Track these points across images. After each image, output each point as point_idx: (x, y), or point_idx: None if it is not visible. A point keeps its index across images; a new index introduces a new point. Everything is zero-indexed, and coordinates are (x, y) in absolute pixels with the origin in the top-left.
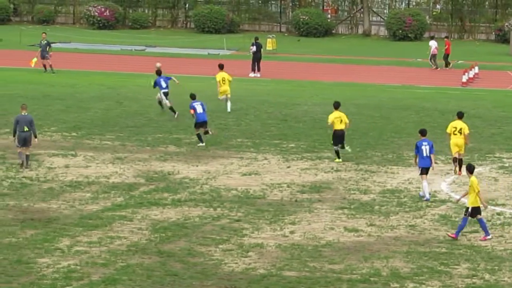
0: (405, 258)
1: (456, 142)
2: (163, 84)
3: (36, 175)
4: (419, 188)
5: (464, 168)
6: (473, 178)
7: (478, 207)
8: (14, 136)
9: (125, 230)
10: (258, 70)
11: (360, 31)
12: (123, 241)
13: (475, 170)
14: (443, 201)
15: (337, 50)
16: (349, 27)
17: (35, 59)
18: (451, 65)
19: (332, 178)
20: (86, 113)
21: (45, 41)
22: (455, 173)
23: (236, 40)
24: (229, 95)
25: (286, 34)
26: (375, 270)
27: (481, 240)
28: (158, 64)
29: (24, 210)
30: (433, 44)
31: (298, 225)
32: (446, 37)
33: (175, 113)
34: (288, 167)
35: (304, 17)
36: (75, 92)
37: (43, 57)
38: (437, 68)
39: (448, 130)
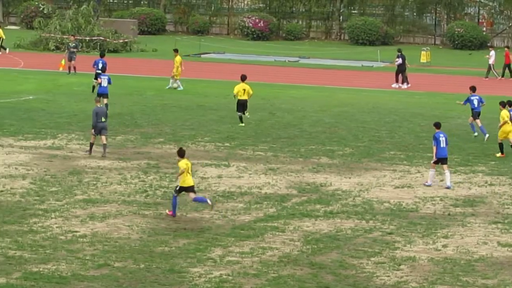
0: None
1: (510, 130)
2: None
3: None
4: None
5: None
6: (181, 162)
7: (190, 187)
8: (93, 128)
9: (277, 241)
10: (407, 81)
11: None
12: (275, 252)
13: None
14: None
15: None
16: (505, 40)
17: (64, 61)
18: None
19: (486, 192)
20: (239, 124)
21: (73, 44)
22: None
23: (390, 53)
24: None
25: (440, 47)
26: None
27: (167, 214)
28: None
29: (177, 220)
30: (492, 54)
31: (451, 239)
32: (507, 47)
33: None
34: (441, 180)
35: (459, 29)
36: (229, 102)
37: (70, 59)
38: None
39: (503, 120)
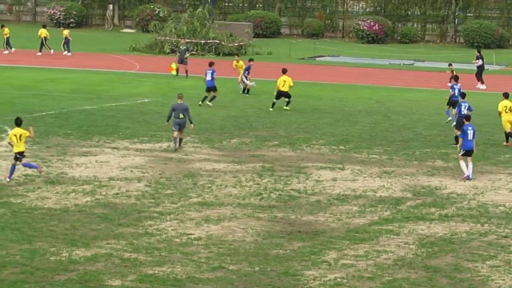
0: None
1: (509, 119)
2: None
3: (304, 187)
4: None
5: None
6: (12, 130)
7: (18, 152)
8: (167, 121)
9: (392, 244)
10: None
11: None
12: (390, 255)
13: None
14: None
15: None
16: None
17: (174, 65)
18: None
19: None
20: (354, 127)
21: (184, 47)
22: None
23: (505, 56)
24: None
25: None
26: None
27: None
28: None
29: (292, 222)
30: None
31: None
32: None
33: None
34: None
35: None
36: (344, 105)
37: (181, 61)
38: None
39: (500, 109)
